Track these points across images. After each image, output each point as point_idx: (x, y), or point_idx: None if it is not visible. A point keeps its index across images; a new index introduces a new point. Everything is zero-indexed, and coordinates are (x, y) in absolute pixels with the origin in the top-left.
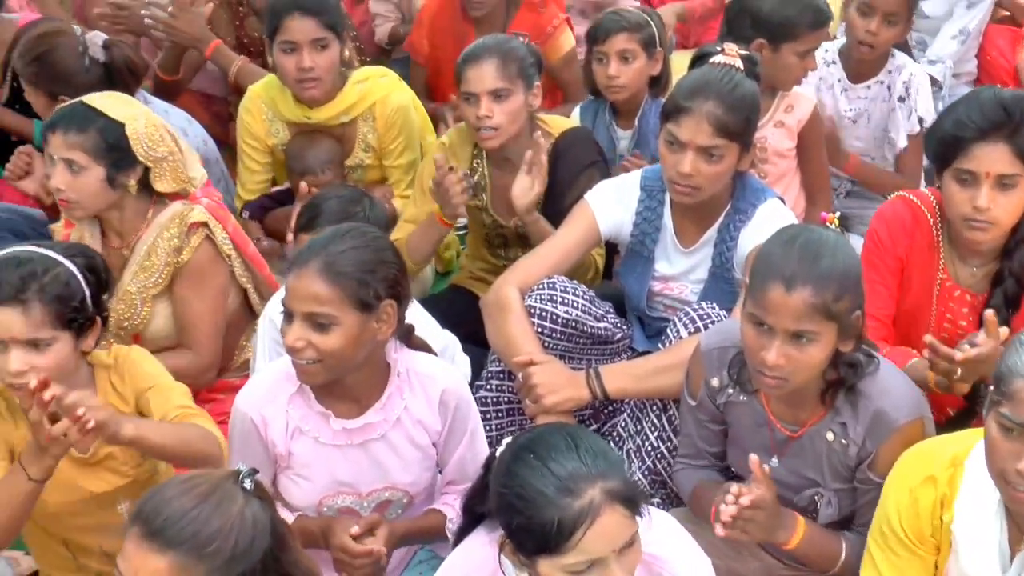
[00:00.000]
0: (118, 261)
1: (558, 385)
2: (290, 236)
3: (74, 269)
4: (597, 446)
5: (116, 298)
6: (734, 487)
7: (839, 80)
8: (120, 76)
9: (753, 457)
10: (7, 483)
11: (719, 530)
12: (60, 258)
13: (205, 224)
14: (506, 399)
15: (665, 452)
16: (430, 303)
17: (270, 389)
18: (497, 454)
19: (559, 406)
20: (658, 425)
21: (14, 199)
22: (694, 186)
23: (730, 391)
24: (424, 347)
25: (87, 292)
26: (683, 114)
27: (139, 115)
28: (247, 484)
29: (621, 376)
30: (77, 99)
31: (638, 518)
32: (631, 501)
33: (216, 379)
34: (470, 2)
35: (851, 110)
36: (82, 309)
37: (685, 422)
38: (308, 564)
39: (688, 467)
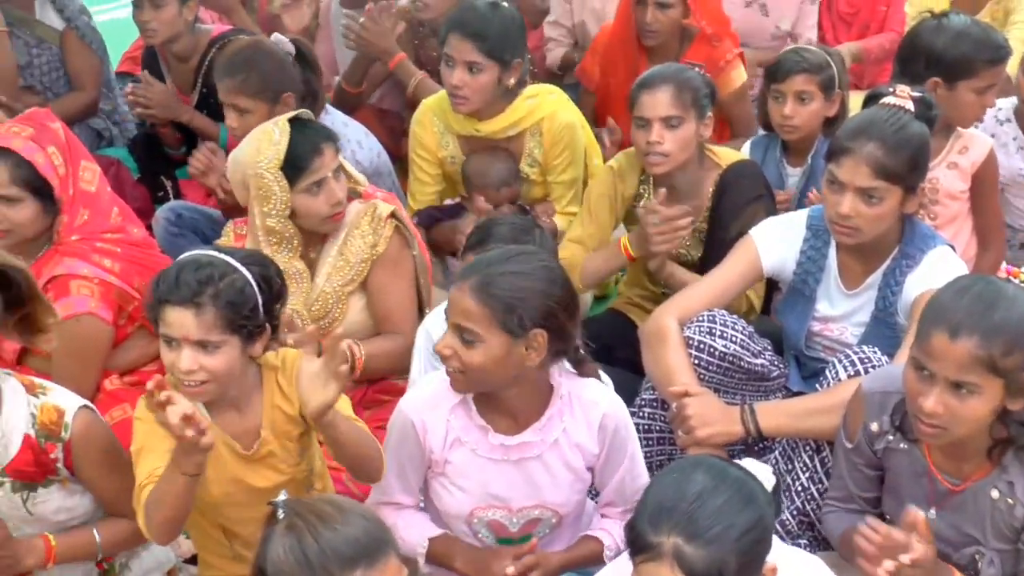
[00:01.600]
0: (307, 265)
1: (712, 418)
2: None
3: (249, 277)
4: (723, 507)
5: (312, 299)
6: (869, 519)
7: (1015, 139)
8: (315, 69)
9: (919, 514)
10: (166, 479)
11: None
12: (238, 265)
13: (393, 214)
14: (658, 427)
15: (816, 494)
16: (587, 326)
17: (434, 396)
18: None
19: (711, 439)
20: (810, 466)
21: (196, 199)
22: (853, 227)
23: (890, 437)
24: (595, 375)
25: (260, 300)
26: (844, 155)
27: None
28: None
29: (777, 414)
30: (287, 119)
31: None
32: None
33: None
34: (644, 31)
35: None
36: (252, 316)
37: (838, 464)
38: None
39: (838, 510)
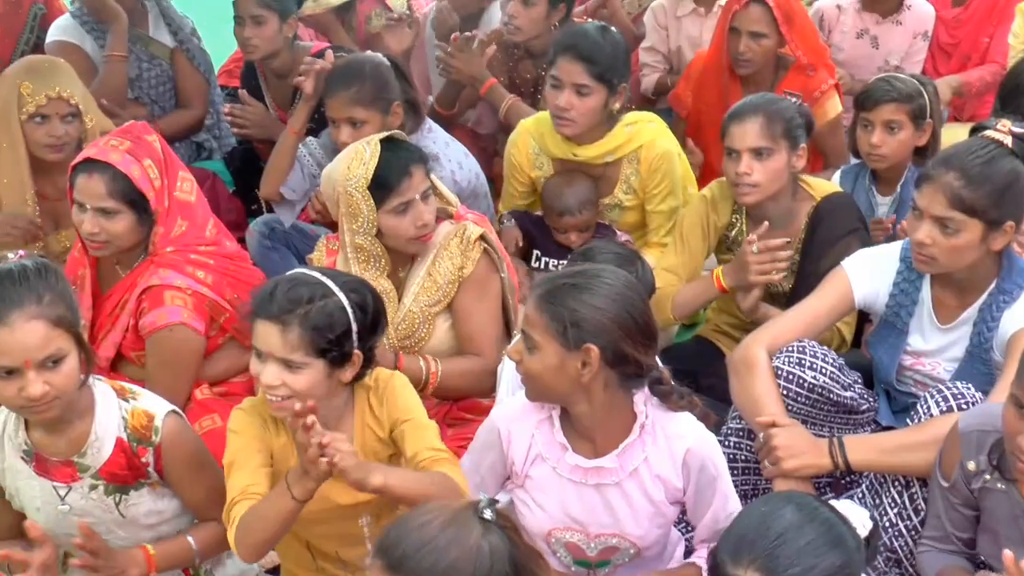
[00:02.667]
0: (395, 285)
1: (799, 450)
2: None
3: (346, 303)
4: (807, 548)
5: (399, 319)
6: None
7: None
8: (410, 82)
9: (1007, 554)
10: (273, 500)
11: None
12: (336, 289)
13: (482, 236)
14: (743, 457)
15: (904, 530)
16: (673, 352)
17: (524, 409)
18: None
19: (798, 471)
20: (898, 502)
21: (304, 217)
22: (929, 256)
23: (987, 477)
24: (685, 408)
25: (354, 328)
26: (925, 182)
27: None
28: (487, 514)
29: (866, 448)
30: (378, 140)
31: None
32: None
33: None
34: (737, 60)
35: None
36: (341, 343)
37: (934, 503)
38: None
39: (933, 550)
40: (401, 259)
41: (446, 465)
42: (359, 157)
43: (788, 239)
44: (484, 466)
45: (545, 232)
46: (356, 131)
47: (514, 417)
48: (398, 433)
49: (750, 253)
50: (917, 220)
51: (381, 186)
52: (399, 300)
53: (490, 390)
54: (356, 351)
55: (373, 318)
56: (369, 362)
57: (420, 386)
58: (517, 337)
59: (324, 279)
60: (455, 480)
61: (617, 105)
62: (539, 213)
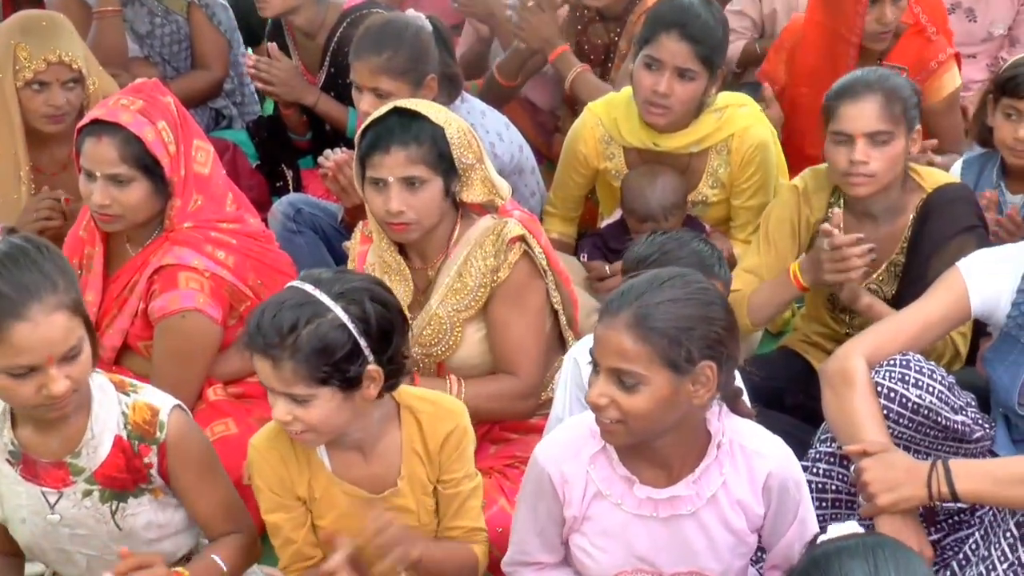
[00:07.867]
0: (422, 282)
1: (895, 482)
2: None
3: (345, 318)
4: None
5: (424, 322)
6: None
7: None
8: (451, 50)
9: None
10: None
11: None
12: (331, 304)
13: (522, 238)
14: (834, 487)
15: None
16: (756, 365)
17: (572, 444)
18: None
19: (894, 507)
20: (1010, 557)
21: (319, 192)
22: None
23: None
24: (749, 414)
25: (362, 342)
26: None
27: (451, 118)
28: None
29: (979, 476)
30: (392, 106)
31: None
32: None
33: (533, 408)
34: (876, 32)
35: None
36: (343, 366)
37: None
38: None
39: None
40: (429, 253)
41: (479, 548)
42: (374, 116)
43: (861, 236)
44: (541, 513)
45: (623, 237)
46: (379, 103)
47: (562, 456)
48: (448, 492)
49: (823, 249)
50: None
51: (362, 150)
52: (426, 300)
53: (529, 413)
54: (372, 366)
55: (382, 326)
56: (400, 370)
57: None
58: (574, 356)
59: (316, 294)
60: (474, 560)
61: (714, 91)
62: (609, 222)
